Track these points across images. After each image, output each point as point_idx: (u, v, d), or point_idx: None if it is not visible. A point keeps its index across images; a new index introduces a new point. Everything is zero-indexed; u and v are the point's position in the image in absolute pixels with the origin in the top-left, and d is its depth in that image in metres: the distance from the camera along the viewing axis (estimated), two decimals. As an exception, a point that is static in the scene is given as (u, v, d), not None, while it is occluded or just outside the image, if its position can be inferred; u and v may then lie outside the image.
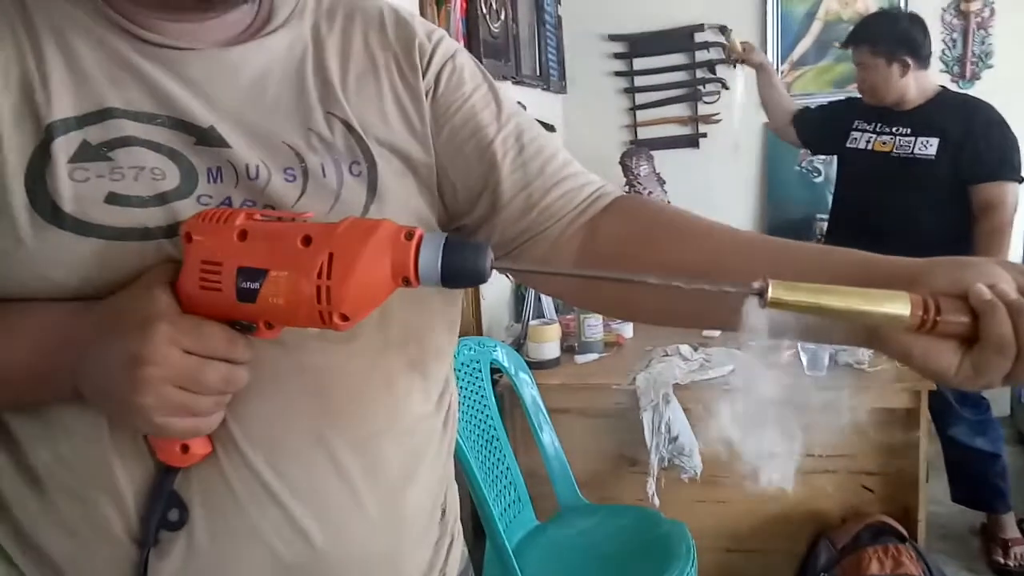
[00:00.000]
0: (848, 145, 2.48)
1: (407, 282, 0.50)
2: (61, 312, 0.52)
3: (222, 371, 0.50)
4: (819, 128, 2.65)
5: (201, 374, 0.49)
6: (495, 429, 1.64)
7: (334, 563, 0.59)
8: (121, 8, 0.56)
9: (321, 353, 0.58)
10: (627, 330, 2.17)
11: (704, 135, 4.23)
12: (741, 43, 3.09)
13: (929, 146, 2.20)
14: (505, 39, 2.89)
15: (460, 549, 0.77)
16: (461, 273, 0.49)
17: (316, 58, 0.61)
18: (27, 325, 0.52)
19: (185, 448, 0.53)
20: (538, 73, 3.56)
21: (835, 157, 2.83)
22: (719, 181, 4.17)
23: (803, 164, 4.05)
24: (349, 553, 0.59)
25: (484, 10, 2.62)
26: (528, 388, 1.74)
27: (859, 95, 2.47)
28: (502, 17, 2.85)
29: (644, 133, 4.27)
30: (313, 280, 0.49)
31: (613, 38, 4.19)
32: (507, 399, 1.82)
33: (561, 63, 4.13)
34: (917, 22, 2.31)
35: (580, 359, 1.92)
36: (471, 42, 2.49)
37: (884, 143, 2.33)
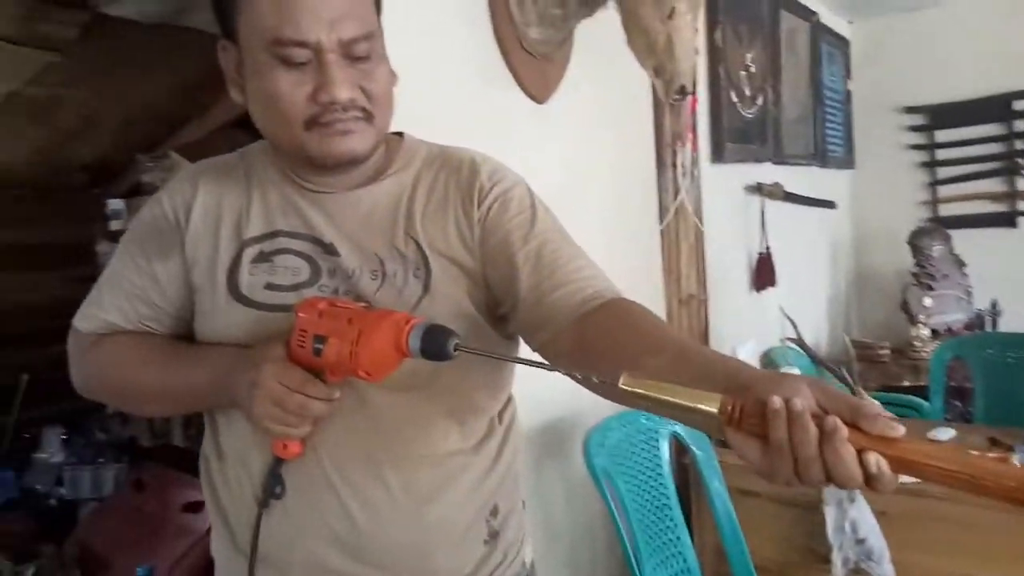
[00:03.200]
0: None
1: (405, 354, 0.74)
2: (230, 351, 0.85)
3: (299, 399, 0.78)
4: None
5: (286, 399, 0.78)
6: (667, 499, 1.73)
7: (372, 542, 0.83)
8: (294, 168, 0.89)
9: (379, 396, 0.83)
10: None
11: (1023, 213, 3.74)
12: None
13: None
14: (762, 122, 2.96)
15: (515, 571, 0.97)
16: (430, 351, 0.73)
17: (409, 197, 0.89)
18: (211, 356, 0.86)
19: (285, 447, 0.83)
20: (812, 151, 3.52)
21: None
22: (1041, 264, 3.65)
23: None
24: (383, 538, 0.83)
25: (735, 98, 2.75)
26: (709, 464, 1.80)
27: None
28: (759, 102, 2.94)
29: (945, 210, 3.91)
30: (348, 347, 0.75)
31: (911, 110, 3.94)
32: (691, 472, 1.88)
33: (848, 138, 3.99)
34: None
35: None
36: (714, 130, 2.63)
37: None
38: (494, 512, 0.93)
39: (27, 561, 2.99)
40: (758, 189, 2.90)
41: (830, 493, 1.68)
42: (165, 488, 2.97)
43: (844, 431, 0.55)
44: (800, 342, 2.98)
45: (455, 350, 0.72)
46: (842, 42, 3.94)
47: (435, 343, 0.72)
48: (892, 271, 3.81)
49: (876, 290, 3.99)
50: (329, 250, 0.86)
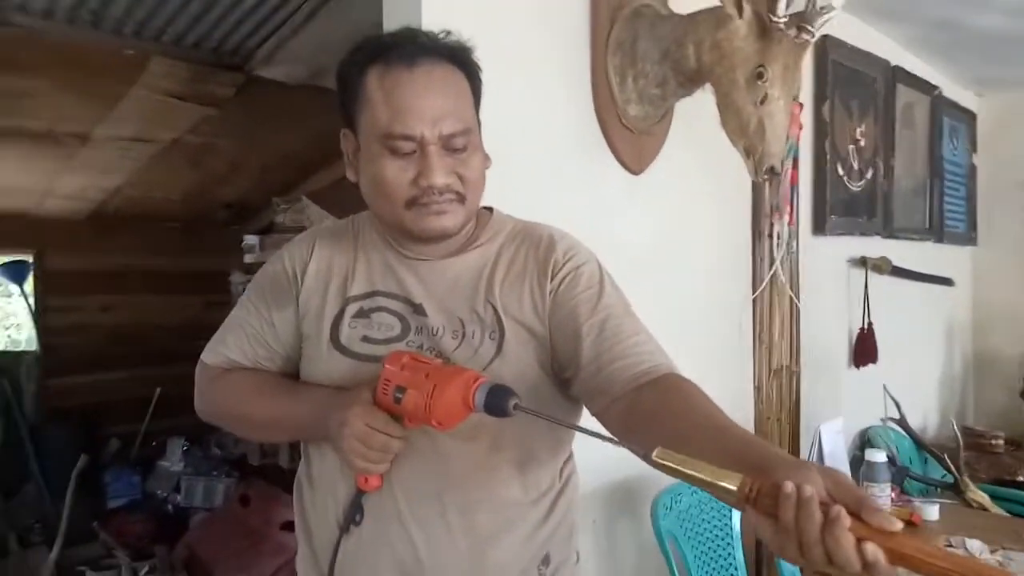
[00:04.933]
0: None
1: (472, 408, 0.85)
2: (327, 392, 0.98)
3: (381, 439, 0.90)
4: None
5: (370, 438, 0.90)
6: (735, 569, 1.73)
7: (430, 571, 0.93)
8: (394, 237, 1.03)
9: (450, 443, 0.94)
10: (932, 512, 2.00)
11: None
12: None
13: None
14: (871, 195, 2.93)
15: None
16: (492, 407, 0.83)
17: (492, 267, 1.01)
18: (312, 395, 0.99)
19: (367, 480, 0.95)
20: (927, 226, 3.41)
21: None
22: None
23: None
24: (441, 571, 0.93)
25: (841, 172, 2.74)
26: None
27: None
28: (868, 175, 2.91)
29: (1078, 294, 3.66)
30: (424, 399, 0.87)
31: (1043, 187, 3.75)
32: (764, 548, 1.86)
33: (971, 214, 3.84)
34: None
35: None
36: (817, 202, 2.63)
37: None
38: (546, 561, 1.01)
39: (143, 559, 3.29)
40: (862, 263, 2.85)
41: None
42: (268, 505, 3.19)
43: (846, 520, 0.60)
44: (903, 423, 2.87)
45: (514, 408, 0.83)
46: (968, 115, 3.82)
47: (497, 401, 0.83)
48: (1015, 355, 3.60)
49: (995, 375, 3.77)
50: (418, 310, 0.99)
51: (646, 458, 0.70)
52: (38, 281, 4.25)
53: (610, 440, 0.79)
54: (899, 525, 0.61)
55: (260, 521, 3.20)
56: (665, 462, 0.69)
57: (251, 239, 3.54)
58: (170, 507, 3.91)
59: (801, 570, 1.81)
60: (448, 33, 0.97)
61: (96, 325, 4.32)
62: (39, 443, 3.92)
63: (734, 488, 0.65)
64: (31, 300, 4.26)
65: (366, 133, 0.95)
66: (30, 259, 4.23)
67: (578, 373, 0.94)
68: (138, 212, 4.21)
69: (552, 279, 0.98)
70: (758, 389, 2.35)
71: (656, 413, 0.85)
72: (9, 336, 6.15)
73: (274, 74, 2.87)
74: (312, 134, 3.37)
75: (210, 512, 3.73)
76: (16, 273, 4.25)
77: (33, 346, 4.33)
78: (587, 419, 0.96)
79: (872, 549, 0.60)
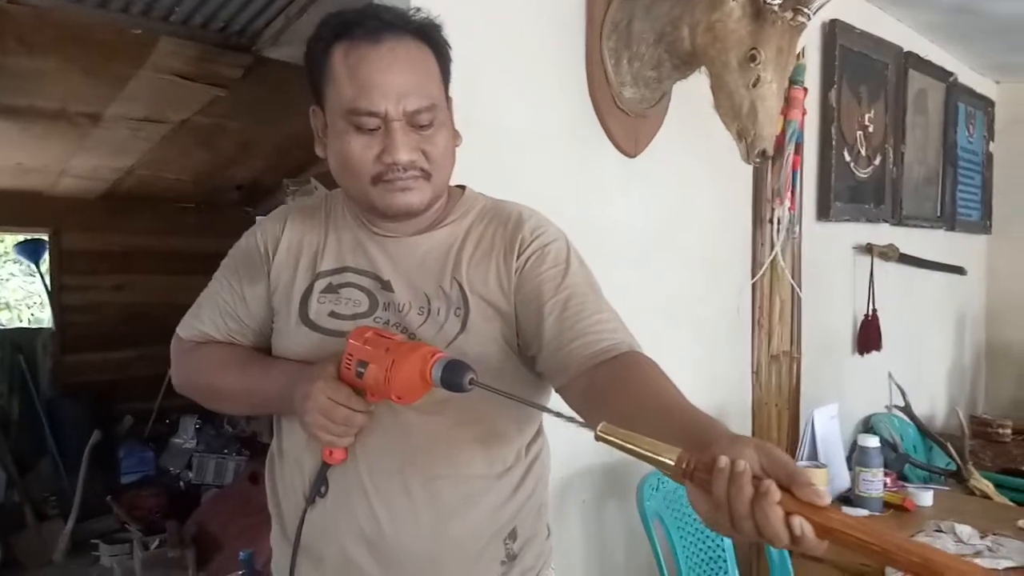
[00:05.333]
0: None
1: (429, 383, 0.86)
2: (294, 366, 0.99)
3: (344, 412, 0.91)
4: None
5: (333, 411, 0.91)
6: (722, 551, 1.73)
7: (393, 546, 0.94)
8: (364, 214, 1.03)
9: (414, 417, 0.95)
10: (925, 498, 1.98)
11: None
12: None
13: None
14: (879, 182, 2.89)
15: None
16: (449, 383, 0.84)
17: (460, 244, 1.01)
18: (278, 368, 1.01)
19: (331, 453, 0.96)
20: (938, 214, 3.36)
21: None
22: None
23: None
24: (404, 544, 0.94)
25: (848, 158, 2.71)
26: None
27: None
28: (876, 162, 2.87)
29: (1094, 285, 3.59)
30: (383, 373, 0.88)
31: (1061, 175, 3.67)
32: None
33: (986, 202, 3.77)
34: None
35: (848, 510, 1.84)
36: (822, 188, 2.61)
37: None
38: (512, 536, 1.02)
39: (154, 533, 3.36)
40: (868, 250, 2.82)
41: (895, 572, 1.62)
42: (274, 483, 3.24)
43: (775, 494, 0.61)
44: (907, 411, 2.85)
45: (470, 384, 0.83)
46: (985, 103, 3.75)
47: (453, 376, 0.84)
48: (1028, 346, 3.55)
49: (1008, 365, 3.72)
50: (386, 287, 1.00)
51: (593, 432, 0.71)
52: (54, 259, 4.33)
53: (561, 416, 0.79)
54: (827, 500, 0.61)
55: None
56: (609, 437, 0.70)
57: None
58: (182, 484, 3.99)
59: (790, 553, 1.82)
60: (417, 10, 0.98)
61: (110, 303, 4.40)
62: (54, 418, 4.02)
63: (672, 462, 0.66)
64: (47, 279, 4.34)
65: (332, 109, 0.95)
66: (46, 238, 4.31)
67: (541, 351, 0.95)
68: (150, 192, 4.27)
69: (518, 257, 0.99)
70: (756, 374, 2.34)
71: (611, 390, 0.85)
72: (32, 314, 6.29)
73: (281, 54, 2.89)
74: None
75: (220, 489, 3.80)
76: (33, 252, 4.34)
77: (50, 323, 4.42)
78: (555, 398, 0.97)
79: (799, 522, 0.60)
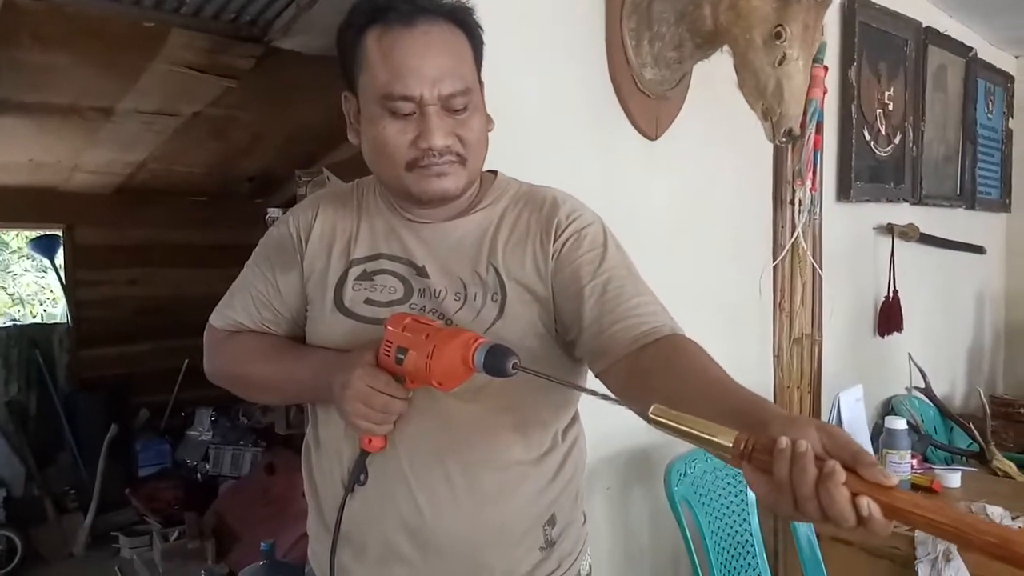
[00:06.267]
0: None
1: (471, 368, 0.85)
2: (330, 354, 0.98)
3: (383, 400, 0.90)
4: None
5: (372, 399, 0.90)
6: (750, 536, 1.72)
7: (434, 533, 0.93)
8: (397, 200, 1.02)
9: (453, 404, 0.94)
10: (953, 479, 1.97)
11: None
12: None
13: None
14: (899, 161, 2.85)
15: (568, 579, 1.04)
16: (492, 368, 0.83)
17: (495, 229, 1.00)
18: (314, 357, 1.00)
19: (370, 441, 0.95)
20: (958, 192, 3.32)
21: None
22: None
23: None
24: (444, 530, 0.93)
25: (868, 137, 2.68)
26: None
27: None
28: (896, 140, 2.83)
29: (1115, 263, 3.55)
30: (424, 359, 0.87)
31: (1081, 152, 3.62)
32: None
33: (1006, 180, 3.73)
34: None
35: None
36: (842, 168, 2.58)
37: None
38: (551, 522, 1.01)
39: (173, 525, 3.38)
40: (889, 230, 2.79)
41: (923, 549, 1.61)
42: (293, 474, 3.24)
43: (841, 475, 0.59)
44: (928, 392, 2.83)
45: (513, 368, 0.82)
46: (1005, 78, 3.69)
47: (496, 361, 0.83)
48: (1049, 325, 3.51)
49: (1028, 345, 3.69)
50: (421, 273, 0.99)
51: (643, 415, 0.70)
52: (68, 255, 4.34)
53: (608, 399, 0.78)
54: (895, 480, 0.60)
55: (285, 489, 3.26)
56: (661, 419, 0.68)
57: (275, 212, 3.55)
58: (199, 475, 4.00)
59: (818, 536, 1.81)
60: None
61: (125, 298, 4.41)
62: (71, 413, 4.04)
63: (729, 444, 0.65)
64: (62, 274, 4.35)
65: (366, 95, 0.94)
66: (60, 233, 4.32)
67: (581, 335, 0.93)
68: (163, 186, 4.26)
69: (555, 241, 0.97)
70: (778, 357, 2.32)
71: (656, 372, 0.84)
72: (45, 309, 6.32)
73: (292, 45, 2.86)
74: (332, 105, 3.32)
75: (237, 480, 3.82)
76: (47, 247, 4.35)
77: (65, 318, 4.43)
78: (592, 382, 0.95)
79: (867, 503, 0.59)
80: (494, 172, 1.08)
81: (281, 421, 3.86)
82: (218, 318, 1.10)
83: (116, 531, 3.55)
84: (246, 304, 1.07)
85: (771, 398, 2.32)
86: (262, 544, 2.51)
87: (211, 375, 1.12)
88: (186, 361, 4.18)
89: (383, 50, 0.91)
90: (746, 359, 2.23)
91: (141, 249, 4.42)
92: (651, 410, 0.69)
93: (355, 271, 1.01)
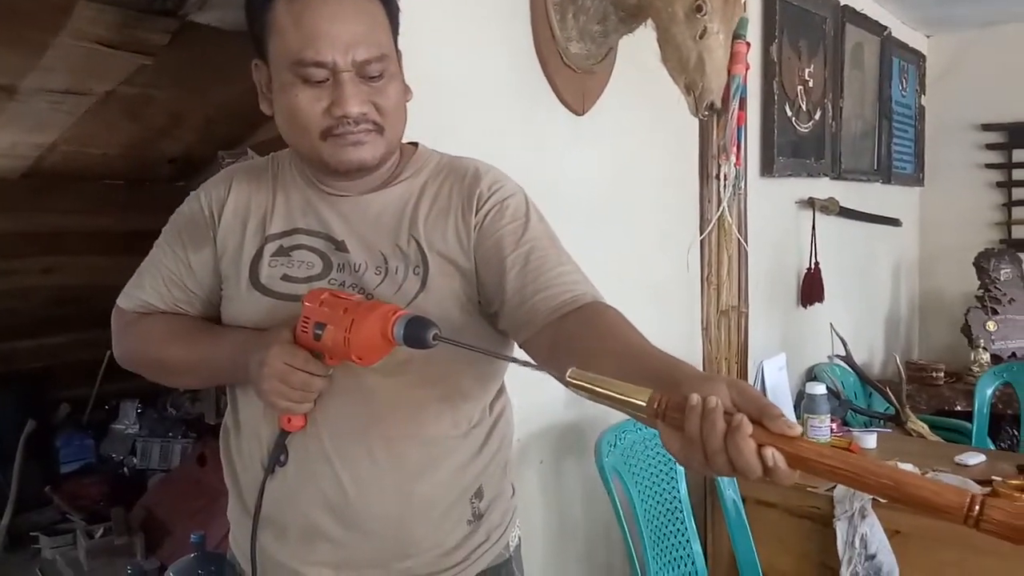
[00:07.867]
0: None
1: (391, 341, 0.83)
2: (246, 333, 0.95)
3: (302, 377, 0.88)
4: None
5: (290, 376, 0.87)
6: (679, 503, 1.77)
7: (359, 511, 0.92)
8: (314, 172, 0.99)
9: (375, 379, 0.92)
10: (870, 440, 2.06)
11: (1105, 238, 3.57)
12: None
13: None
14: (819, 137, 2.94)
15: (497, 552, 1.04)
16: (412, 340, 0.81)
17: (416, 201, 0.98)
18: (230, 336, 0.97)
19: (290, 420, 0.93)
20: (875, 167, 3.45)
21: None
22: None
23: None
24: (369, 507, 0.92)
25: (789, 113, 2.75)
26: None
27: None
28: (816, 116, 2.92)
29: (1019, 232, 3.76)
30: (342, 334, 0.85)
31: (987, 128, 3.82)
32: (706, 481, 1.91)
33: (919, 155, 3.89)
34: None
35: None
36: (765, 144, 2.64)
37: None
38: (478, 495, 1.01)
39: (98, 522, 3.25)
40: (810, 204, 2.88)
41: (841, 508, 1.68)
42: (224, 463, 3.17)
43: (747, 427, 0.61)
44: (848, 360, 2.95)
45: (434, 338, 0.81)
46: (917, 56, 3.84)
47: (416, 332, 0.81)
48: (959, 293, 3.69)
49: (940, 312, 3.87)
50: (340, 247, 0.96)
51: (561, 380, 0.70)
52: (-26, 244, 4.09)
53: (529, 365, 0.78)
54: (798, 430, 0.61)
55: (218, 480, 3.16)
56: (578, 382, 0.69)
57: (197, 195, 3.44)
58: (126, 470, 3.86)
59: (744, 499, 1.86)
60: None
61: (39, 287, 4.18)
62: (-16, 409, 3.83)
63: (643, 403, 0.65)
64: (-32, 264, 4.10)
65: (277, 62, 0.90)
66: (-36, 221, 4.07)
67: (503, 306, 0.93)
68: (76, 169, 4.04)
69: (477, 212, 0.96)
70: (706, 330, 2.37)
71: (577, 338, 0.84)
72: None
73: (210, 19, 2.75)
74: (255, 84, 3.25)
75: (167, 473, 3.70)
76: (-49, 236, 4.09)
77: (-26, 311, 4.19)
78: (517, 353, 0.95)
79: (771, 453, 0.60)
80: (415, 144, 1.06)
81: (211, 411, 3.75)
82: (126, 299, 1.05)
83: (36, 531, 3.40)
84: (156, 284, 1.02)
85: (700, 370, 2.37)
86: (192, 536, 2.44)
87: (121, 359, 1.07)
88: (108, 352, 3.98)
89: (294, 14, 0.87)
90: (675, 331, 2.28)
91: (54, 236, 4.20)
92: (568, 373, 0.69)
93: (271, 247, 0.98)
